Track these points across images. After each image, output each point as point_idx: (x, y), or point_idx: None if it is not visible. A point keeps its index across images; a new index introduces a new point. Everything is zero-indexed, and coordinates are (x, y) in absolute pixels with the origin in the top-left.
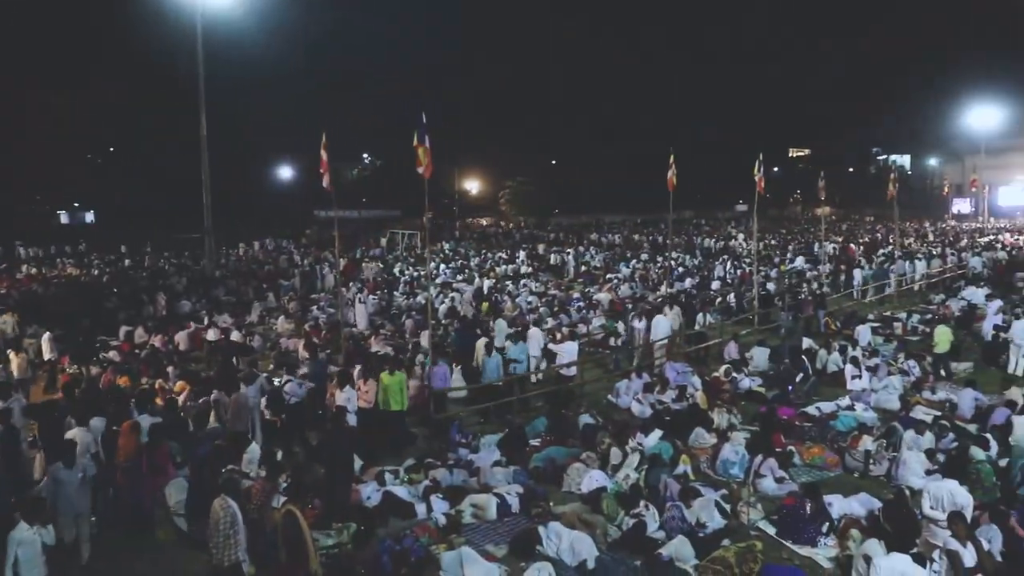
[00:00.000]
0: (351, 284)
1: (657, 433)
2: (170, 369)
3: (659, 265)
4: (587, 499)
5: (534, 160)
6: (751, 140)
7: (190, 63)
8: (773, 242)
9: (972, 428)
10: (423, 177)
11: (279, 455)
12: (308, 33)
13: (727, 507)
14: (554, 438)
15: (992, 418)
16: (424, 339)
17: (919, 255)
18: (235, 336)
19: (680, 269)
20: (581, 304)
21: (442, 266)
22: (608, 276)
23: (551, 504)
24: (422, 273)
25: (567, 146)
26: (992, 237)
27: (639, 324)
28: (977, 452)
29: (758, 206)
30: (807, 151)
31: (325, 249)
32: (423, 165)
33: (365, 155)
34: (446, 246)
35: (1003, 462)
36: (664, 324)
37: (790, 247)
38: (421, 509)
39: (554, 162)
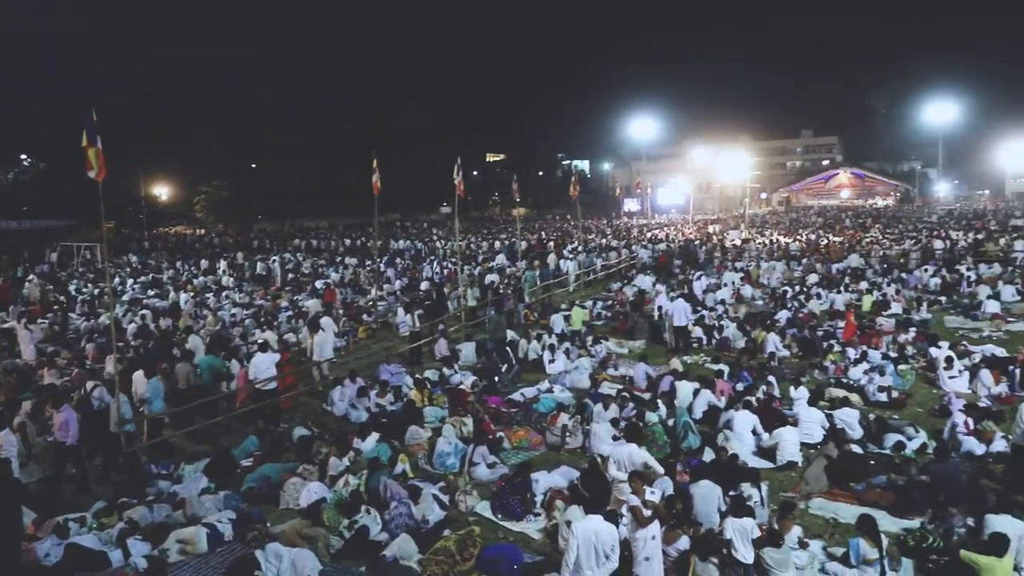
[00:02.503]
0: (10, 308)
1: (374, 436)
2: None
3: (369, 269)
4: (307, 513)
5: (231, 163)
6: (452, 146)
7: None
8: (477, 242)
9: (646, 396)
10: (97, 181)
11: None
12: None
13: (445, 499)
14: (267, 455)
15: (660, 386)
16: (110, 364)
17: (599, 250)
18: None
19: (390, 271)
20: (290, 313)
21: (129, 281)
22: (318, 283)
23: (268, 525)
24: (104, 290)
25: (268, 150)
26: (655, 231)
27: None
28: (651, 416)
29: (460, 208)
30: (503, 156)
31: None
32: (94, 168)
33: (24, 156)
34: (133, 258)
35: (671, 422)
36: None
37: (495, 245)
38: (116, 556)
39: (254, 166)
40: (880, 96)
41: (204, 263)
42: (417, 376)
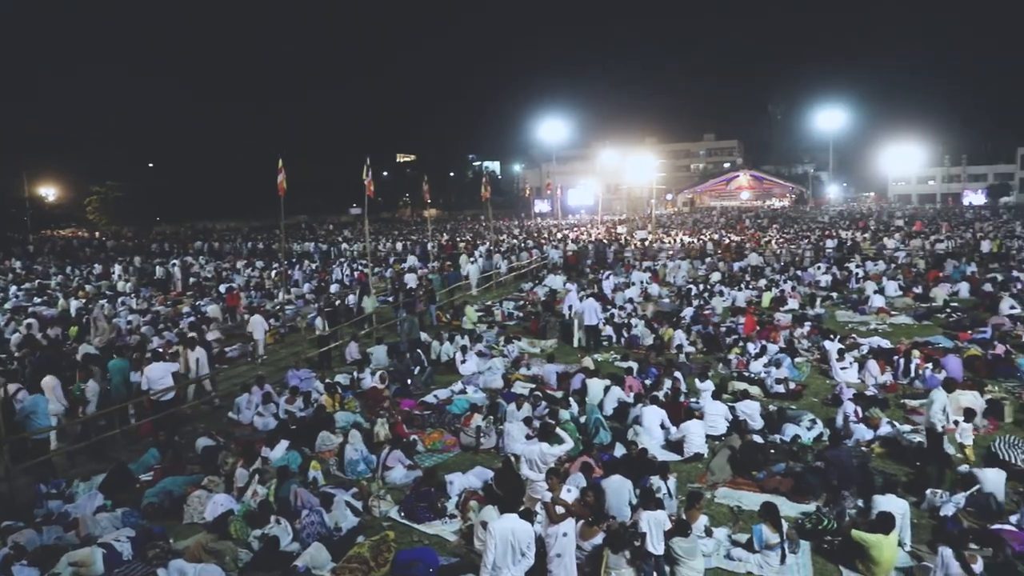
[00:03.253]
0: None
1: (283, 444)
2: None
3: (275, 272)
4: (213, 526)
5: (126, 163)
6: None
7: None
8: (389, 243)
9: (558, 394)
10: None
11: None
12: None
13: (359, 505)
14: (169, 468)
15: (572, 384)
16: None
17: (510, 250)
18: None
19: (299, 274)
20: (193, 319)
21: (12, 288)
22: (221, 287)
23: (171, 541)
24: None
25: (166, 149)
26: (565, 232)
27: (260, 335)
28: (563, 413)
29: (370, 209)
30: (413, 157)
31: None
32: None
33: None
34: (16, 264)
35: (583, 419)
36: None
37: (407, 246)
38: None
39: (151, 165)
40: (776, 103)
41: (98, 268)
42: (328, 381)
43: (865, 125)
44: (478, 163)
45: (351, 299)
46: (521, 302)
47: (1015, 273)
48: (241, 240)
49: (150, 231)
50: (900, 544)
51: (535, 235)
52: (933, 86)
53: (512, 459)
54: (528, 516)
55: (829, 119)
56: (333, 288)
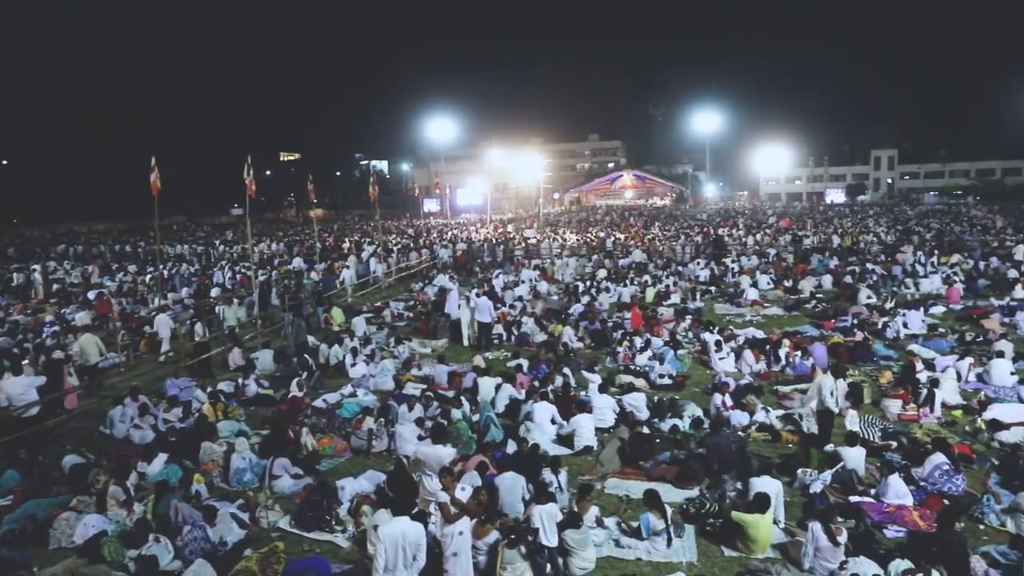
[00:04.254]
0: None
1: (162, 457)
2: None
3: (150, 276)
4: (84, 550)
5: None
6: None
7: None
8: (275, 245)
9: (450, 394)
10: None
11: None
12: None
13: (245, 516)
14: (31, 490)
15: (464, 382)
16: None
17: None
18: None
19: (175, 279)
20: (56, 329)
21: None
22: (90, 293)
23: (35, 569)
24: None
25: (22, 146)
26: (455, 232)
27: (166, 333)
28: (455, 413)
29: (254, 210)
30: (298, 155)
31: None
32: None
33: None
34: None
35: (475, 417)
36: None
37: (293, 248)
38: None
39: (5, 162)
40: (657, 105)
41: None
42: (210, 389)
43: (739, 128)
44: (365, 162)
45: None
46: (411, 302)
47: (869, 266)
48: (111, 242)
49: (3, 235)
50: (775, 522)
51: (424, 234)
52: (800, 92)
53: (404, 461)
54: (421, 517)
55: (706, 121)
56: (214, 292)
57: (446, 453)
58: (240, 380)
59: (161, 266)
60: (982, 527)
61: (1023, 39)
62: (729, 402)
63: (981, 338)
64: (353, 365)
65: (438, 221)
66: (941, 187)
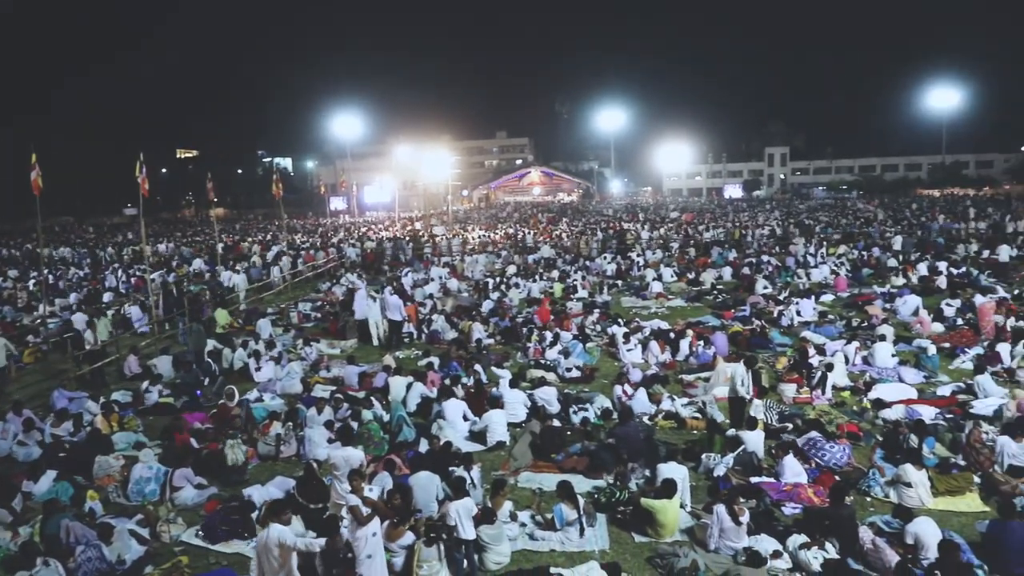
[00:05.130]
0: None
1: (50, 475)
2: None
3: (33, 282)
4: None
5: None
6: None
7: None
8: (172, 245)
9: (361, 395)
10: None
11: None
12: None
13: (145, 532)
14: None
15: (374, 382)
16: None
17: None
18: None
19: (61, 284)
20: None
21: None
22: None
23: None
24: None
25: None
26: (364, 230)
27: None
28: (366, 414)
29: (148, 209)
30: (196, 152)
31: None
32: None
33: None
34: None
35: (386, 418)
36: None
37: (192, 250)
38: None
39: None
40: (563, 102)
41: None
42: (103, 399)
43: (642, 125)
44: (268, 159)
45: (127, 308)
46: (319, 303)
47: (765, 257)
48: None
49: None
50: (682, 506)
51: (331, 233)
52: (700, 91)
53: (314, 465)
54: (334, 522)
55: (610, 119)
56: (107, 297)
57: (356, 455)
58: (145, 386)
59: (46, 271)
60: (868, 499)
61: (898, 49)
62: (630, 391)
63: (865, 323)
64: (258, 369)
65: (345, 219)
66: (829, 182)
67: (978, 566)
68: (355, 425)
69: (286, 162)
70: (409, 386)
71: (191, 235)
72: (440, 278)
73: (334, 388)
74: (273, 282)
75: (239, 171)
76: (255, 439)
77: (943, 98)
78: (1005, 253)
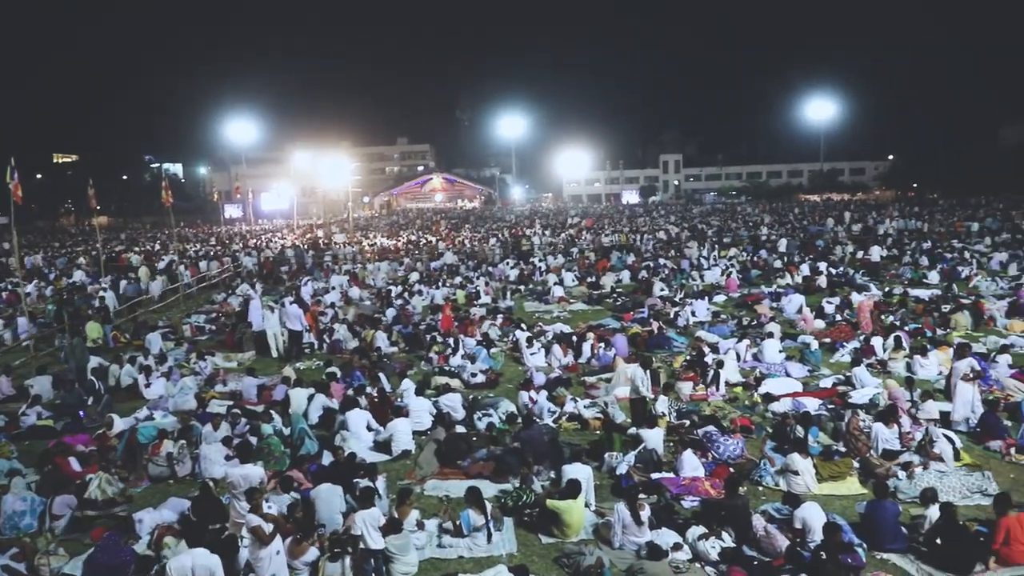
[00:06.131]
0: None
1: None
2: None
3: None
4: None
5: None
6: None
7: None
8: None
9: (260, 409)
10: None
11: None
12: None
13: (22, 567)
14: None
15: (274, 395)
16: None
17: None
18: None
19: None
20: None
21: None
22: None
23: None
24: None
25: None
26: (260, 238)
27: None
28: (265, 428)
29: (23, 217)
30: (75, 157)
31: None
32: None
33: None
34: None
35: (287, 431)
36: None
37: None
38: None
39: None
40: (464, 109)
41: None
42: None
43: (543, 132)
44: (157, 165)
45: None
46: (213, 314)
47: (662, 260)
48: None
49: None
50: (587, 505)
51: (226, 242)
52: (598, 99)
53: (211, 484)
54: (232, 543)
55: (511, 126)
56: None
57: (256, 472)
58: (22, 408)
59: None
60: (760, 488)
61: (783, 64)
62: (536, 397)
63: (755, 322)
64: (148, 385)
65: (242, 227)
66: (719, 188)
67: (858, 544)
68: (254, 440)
69: (176, 168)
70: (311, 398)
71: (71, 245)
72: (341, 286)
73: (231, 403)
74: (152, 297)
75: (124, 177)
76: (143, 464)
77: (821, 110)
78: (876, 253)
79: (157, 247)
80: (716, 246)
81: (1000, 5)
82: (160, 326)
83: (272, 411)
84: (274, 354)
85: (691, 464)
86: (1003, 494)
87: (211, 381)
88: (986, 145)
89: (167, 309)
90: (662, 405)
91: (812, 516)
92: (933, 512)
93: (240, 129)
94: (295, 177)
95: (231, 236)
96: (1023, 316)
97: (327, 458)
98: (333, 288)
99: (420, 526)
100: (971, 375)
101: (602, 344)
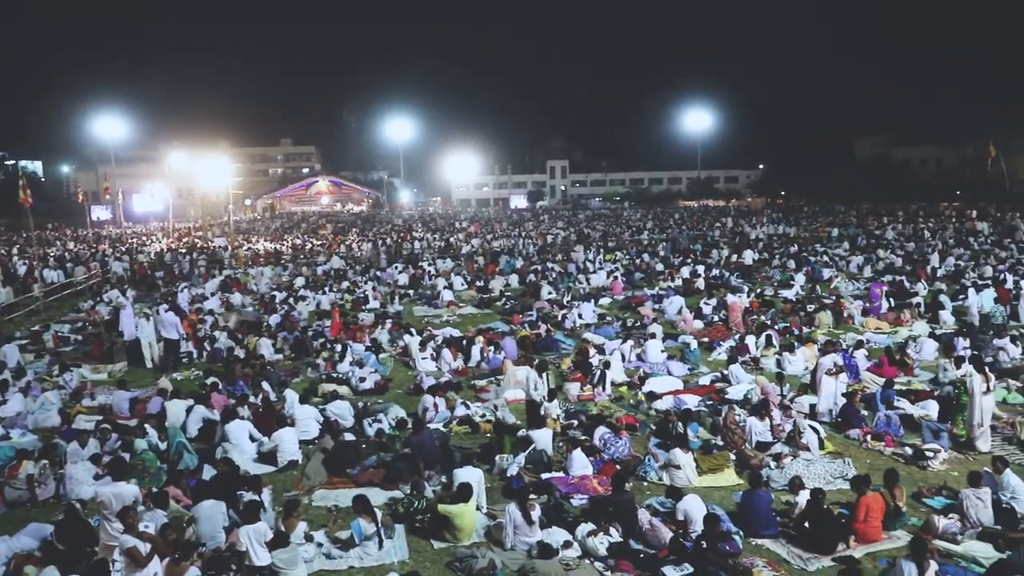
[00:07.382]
0: None
1: None
2: None
3: None
4: None
5: None
6: None
7: None
8: None
9: (133, 423)
10: None
11: None
12: None
13: None
14: None
15: (149, 408)
16: None
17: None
18: None
19: None
20: None
21: None
22: None
23: None
24: None
25: None
26: (132, 241)
27: None
28: (139, 443)
29: None
30: None
31: None
32: None
33: None
34: None
35: (163, 446)
36: None
37: None
38: None
39: None
40: (351, 111)
41: None
42: None
43: (431, 136)
44: (12, 162)
45: None
46: (79, 323)
47: (550, 264)
48: None
49: None
50: (478, 508)
51: (93, 245)
52: (486, 104)
53: (78, 505)
54: (103, 567)
55: (399, 129)
56: None
57: (129, 490)
58: None
59: None
60: (646, 484)
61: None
62: (440, 403)
63: (638, 323)
64: (3, 402)
65: (111, 231)
66: (604, 194)
67: (735, 532)
68: (127, 457)
69: (35, 166)
70: (189, 409)
71: None
72: (221, 292)
73: (100, 418)
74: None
75: None
76: (1, 484)
77: (699, 121)
78: (749, 257)
79: (14, 251)
80: (601, 250)
81: (857, 29)
82: (17, 337)
83: (146, 425)
84: (148, 365)
85: (580, 463)
86: (861, 475)
87: (77, 395)
88: (843, 157)
89: (26, 318)
90: (553, 408)
91: (693, 508)
92: (802, 498)
93: (108, 126)
94: (171, 178)
95: (99, 239)
96: (876, 315)
97: (208, 472)
98: (212, 294)
99: (308, 538)
100: (834, 370)
101: (492, 347)
